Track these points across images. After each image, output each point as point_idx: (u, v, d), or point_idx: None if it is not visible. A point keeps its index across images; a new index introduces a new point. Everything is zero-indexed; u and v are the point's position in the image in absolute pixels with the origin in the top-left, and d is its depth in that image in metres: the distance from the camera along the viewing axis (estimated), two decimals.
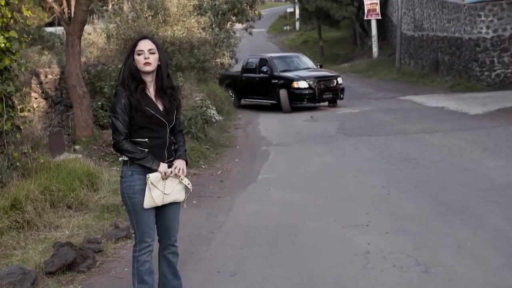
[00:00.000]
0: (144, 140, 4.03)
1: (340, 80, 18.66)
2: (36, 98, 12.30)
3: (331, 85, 18.37)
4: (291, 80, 18.18)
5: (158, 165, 4.02)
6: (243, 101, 20.50)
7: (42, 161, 7.98)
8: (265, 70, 19.08)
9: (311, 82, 17.98)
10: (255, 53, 23.74)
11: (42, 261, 5.41)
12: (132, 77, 4.02)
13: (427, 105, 16.51)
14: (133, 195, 4.02)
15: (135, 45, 4.06)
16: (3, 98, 7.45)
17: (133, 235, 6.37)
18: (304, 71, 19.11)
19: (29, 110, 8.29)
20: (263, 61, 19.53)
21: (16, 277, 4.85)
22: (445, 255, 5.31)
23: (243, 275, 5.24)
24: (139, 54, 4.02)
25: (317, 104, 18.53)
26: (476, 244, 5.54)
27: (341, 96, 18.56)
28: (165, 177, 4.03)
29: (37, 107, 10.32)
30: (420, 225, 6.24)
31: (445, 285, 4.71)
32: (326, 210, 7.11)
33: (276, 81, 18.57)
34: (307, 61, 20.33)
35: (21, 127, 8.17)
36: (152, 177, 4.00)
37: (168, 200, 4.09)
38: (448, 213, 6.57)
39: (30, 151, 8.06)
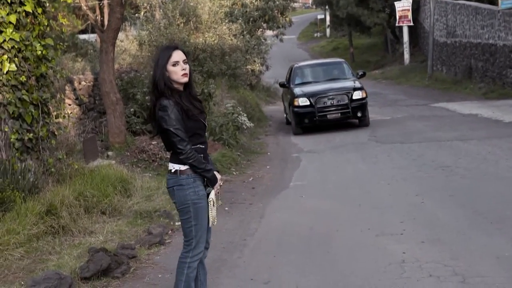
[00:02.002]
0: (198, 146, 4.09)
1: (359, 94, 14.77)
2: (70, 105, 12.48)
3: (341, 101, 14.67)
4: (294, 96, 15.22)
5: (217, 180, 4.17)
6: None
7: (76, 167, 8.09)
8: (283, 83, 16.56)
9: (313, 99, 14.74)
10: (285, 60, 23.49)
11: (78, 267, 5.46)
12: (169, 87, 4.03)
13: (460, 112, 16.27)
14: (197, 201, 4.06)
15: (170, 56, 4.04)
16: (39, 104, 7.56)
17: (169, 240, 6.42)
18: (327, 83, 15.70)
19: (64, 117, 8.39)
20: (290, 71, 16.97)
21: (52, 282, 4.90)
22: (483, 265, 5.20)
23: (277, 283, 5.21)
24: (174, 65, 4.03)
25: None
26: None
27: (358, 114, 14.80)
28: (216, 192, 4.16)
29: (71, 113, 10.45)
30: (457, 234, 6.13)
31: None
32: (359, 218, 7.04)
33: (289, 96, 15.74)
34: (345, 70, 16.66)
35: (56, 133, 8.28)
36: (213, 196, 4.12)
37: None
38: (485, 223, 6.44)
39: (64, 157, 8.17)
